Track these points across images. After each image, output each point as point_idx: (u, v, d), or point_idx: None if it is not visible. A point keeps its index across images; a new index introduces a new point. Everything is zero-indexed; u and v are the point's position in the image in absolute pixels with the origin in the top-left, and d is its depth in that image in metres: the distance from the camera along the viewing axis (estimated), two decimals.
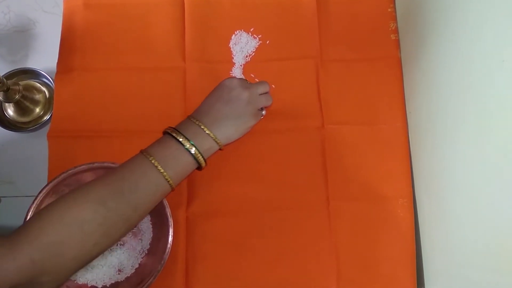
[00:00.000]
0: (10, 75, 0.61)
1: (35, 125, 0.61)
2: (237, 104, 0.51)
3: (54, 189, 0.52)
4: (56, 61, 0.60)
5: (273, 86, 0.60)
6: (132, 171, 0.46)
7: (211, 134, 0.49)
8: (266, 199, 0.57)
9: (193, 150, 0.48)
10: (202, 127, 0.49)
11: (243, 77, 0.61)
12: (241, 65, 0.61)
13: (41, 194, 0.50)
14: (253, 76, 0.61)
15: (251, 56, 0.61)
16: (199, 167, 0.50)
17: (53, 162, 0.57)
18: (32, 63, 0.63)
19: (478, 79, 0.43)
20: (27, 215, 0.50)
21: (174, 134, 0.48)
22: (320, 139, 0.58)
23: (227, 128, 0.51)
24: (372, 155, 0.58)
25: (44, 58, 0.63)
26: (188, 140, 0.48)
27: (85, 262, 0.42)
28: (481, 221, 0.43)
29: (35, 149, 0.60)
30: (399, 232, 0.56)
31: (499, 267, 0.41)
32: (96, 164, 0.52)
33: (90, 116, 0.59)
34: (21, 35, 0.64)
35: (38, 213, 0.41)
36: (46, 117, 0.61)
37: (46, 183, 0.52)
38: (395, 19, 0.62)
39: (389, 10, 0.62)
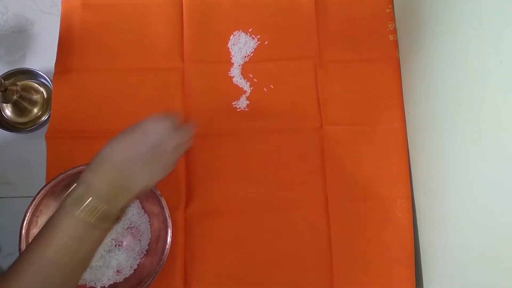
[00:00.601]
0: (8, 76, 0.60)
1: (33, 125, 0.60)
2: (161, 153, 0.43)
3: (52, 190, 0.51)
4: (54, 61, 0.60)
5: (271, 86, 0.60)
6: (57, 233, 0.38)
7: (129, 191, 0.41)
8: (265, 200, 0.57)
9: (101, 223, 0.40)
10: (118, 182, 0.41)
11: (241, 77, 0.60)
12: (239, 65, 0.61)
13: (39, 195, 0.50)
14: (251, 76, 0.61)
15: (249, 57, 0.61)
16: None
17: (51, 163, 0.57)
18: (30, 64, 0.63)
19: (476, 80, 0.43)
20: (25, 216, 0.50)
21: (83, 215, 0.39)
22: (319, 140, 0.58)
23: (145, 180, 0.43)
24: (371, 156, 0.58)
25: (42, 58, 0.63)
26: (94, 213, 0.39)
27: None
28: (479, 221, 0.43)
29: (33, 150, 0.60)
30: (398, 233, 0.56)
31: (498, 267, 0.41)
32: None
33: (88, 117, 0.59)
34: (19, 35, 0.64)
35: None
36: (44, 118, 0.61)
37: (44, 184, 0.52)
38: (393, 19, 0.62)
39: (387, 10, 0.62)
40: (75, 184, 0.41)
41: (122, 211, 0.42)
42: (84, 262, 0.41)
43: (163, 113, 0.46)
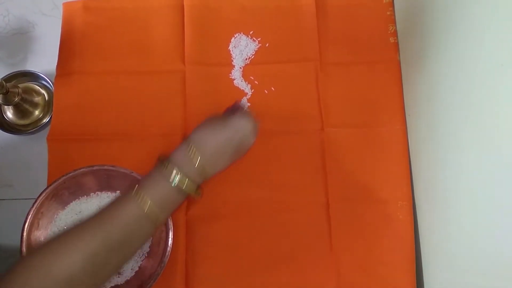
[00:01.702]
0: (9, 78, 0.61)
1: (34, 127, 0.60)
2: (240, 149, 0.51)
3: (53, 192, 0.52)
4: (55, 63, 0.60)
5: (272, 88, 0.60)
6: (122, 217, 0.43)
7: (204, 173, 0.47)
8: (266, 202, 0.57)
9: (187, 190, 0.46)
10: (200, 164, 0.46)
11: (242, 80, 0.61)
12: (240, 68, 0.61)
13: (40, 197, 0.50)
14: (252, 78, 0.61)
15: (250, 59, 0.61)
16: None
17: (53, 165, 0.57)
18: (31, 66, 0.63)
19: (477, 83, 0.43)
20: (26, 218, 0.50)
21: (168, 172, 0.45)
22: (320, 142, 0.59)
23: (219, 167, 0.49)
24: (372, 158, 0.58)
25: (43, 60, 0.63)
26: (184, 180, 0.45)
27: None
28: (480, 225, 0.43)
29: (34, 152, 0.60)
30: (399, 235, 0.56)
31: (499, 271, 0.41)
32: (95, 167, 0.52)
33: (89, 119, 0.59)
34: (20, 37, 0.64)
35: (25, 260, 0.40)
36: (46, 120, 0.61)
37: (45, 186, 0.52)
38: (394, 22, 0.62)
39: (388, 13, 0.63)
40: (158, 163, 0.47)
41: (199, 193, 0.48)
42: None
43: (247, 110, 0.53)
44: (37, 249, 0.41)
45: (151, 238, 0.51)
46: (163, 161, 0.47)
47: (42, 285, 0.38)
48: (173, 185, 0.45)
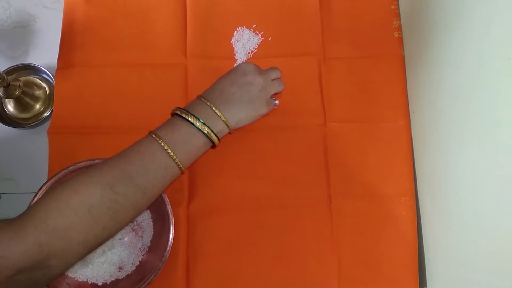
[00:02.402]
0: (10, 71, 0.60)
1: (35, 121, 0.60)
2: (251, 89, 0.50)
3: (54, 186, 0.51)
4: (57, 56, 0.60)
5: None
6: (141, 154, 0.44)
7: (222, 117, 0.48)
8: (268, 197, 0.57)
9: (205, 130, 0.47)
10: (214, 108, 0.48)
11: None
12: (243, 62, 0.61)
13: (41, 191, 0.50)
14: None
15: (253, 53, 0.61)
16: (213, 146, 0.49)
17: (54, 158, 0.57)
18: (33, 59, 0.62)
19: (483, 77, 0.42)
20: None
21: (184, 115, 0.47)
22: (322, 137, 0.58)
23: (238, 111, 0.50)
24: (375, 153, 0.58)
25: (45, 54, 0.62)
26: (199, 119, 0.47)
27: (94, 246, 0.42)
28: (484, 221, 0.43)
29: (35, 146, 0.60)
30: (401, 231, 0.56)
31: (502, 267, 0.41)
32: (96, 161, 0.52)
33: (90, 113, 0.59)
34: (21, 30, 0.64)
35: (44, 197, 0.40)
36: (47, 113, 0.61)
37: (46, 180, 0.51)
38: (398, 16, 0.62)
39: (392, 7, 0.62)
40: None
41: (217, 137, 0.48)
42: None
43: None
44: (56, 187, 0.41)
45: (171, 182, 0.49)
46: (177, 109, 0.48)
47: (61, 217, 0.39)
48: (192, 124, 0.46)
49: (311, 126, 0.58)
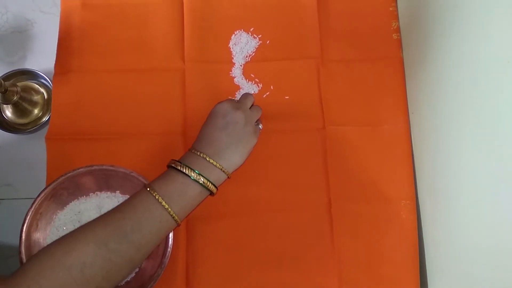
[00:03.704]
0: (8, 76, 0.60)
1: (33, 126, 0.60)
2: (236, 128, 0.50)
3: (52, 192, 0.51)
4: (54, 62, 0.60)
5: (271, 87, 0.60)
6: (135, 208, 0.44)
7: (218, 165, 0.48)
8: (267, 201, 0.56)
9: (201, 180, 0.46)
10: (208, 158, 0.47)
11: (243, 77, 0.60)
12: (241, 65, 0.60)
13: (39, 198, 0.50)
14: (253, 76, 0.60)
15: (251, 56, 0.61)
16: (211, 194, 0.49)
17: (52, 165, 0.57)
18: (30, 64, 0.62)
19: (482, 80, 0.42)
20: (25, 219, 0.49)
21: (179, 168, 0.46)
22: (321, 140, 0.58)
23: (232, 155, 0.49)
24: (374, 156, 0.57)
25: (42, 59, 0.62)
26: (194, 170, 0.46)
27: None
28: (484, 223, 0.43)
29: (33, 151, 0.60)
30: (402, 234, 0.55)
31: (503, 269, 0.40)
32: (94, 167, 0.52)
33: (88, 118, 0.58)
34: (18, 35, 0.64)
35: (37, 255, 0.40)
36: (45, 119, 0.60)
37: (44, 186, 0.51)
38: (397, 18, 0.61)
39: (391, 9, 0.62)
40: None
41: (215, 186, 0.48)
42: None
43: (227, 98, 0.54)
44: (48, 245, 0.41)
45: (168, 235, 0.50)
46: (172, 162, 0.48)
47: (54, 276, 0.38)
48: (189, 176, 0.46)
49: (310, 130, 0.58)
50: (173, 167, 0.47)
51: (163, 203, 0.44)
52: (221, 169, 0.48)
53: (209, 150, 0.48)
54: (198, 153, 0.48)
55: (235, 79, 0.60)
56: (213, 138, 0.49)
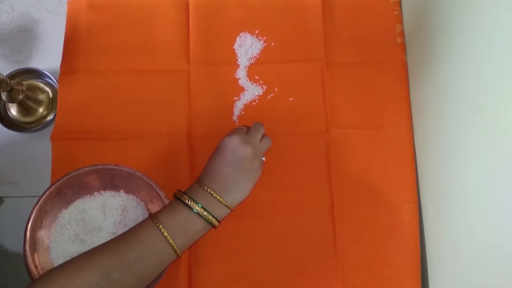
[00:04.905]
0: (13, 75, 0.60)
1: (38, 125, 0.60)
2: (243, 164, 0.49)
3: (57, 191, 0.51)
4: (60, 61, 0.60)
5: (276, 89, 0.60)
6: (139, 240, 0.44)
7: (223, 202, 0.48)
8: (270, 203, 0.57)
9: (205, 215, 0.46)
10: (214, 195, 0.47)
11: (247, 79, 0.60)
12: (245, 67, 0.61)
13: (44, 196, 0.50)
14: (257, 78, 0.60)
15: (255, 58, 0.61)
16: (214, 227, 0.49)
17: (56, 163, 0.57)
18: (36, 63, 0.62)
19: (486, 83, 0.42)
20: (30, 217, 0.50)
21: (186, 201, 0.46)
22: (325, 143, 0.58)
23: (237, 192, 0.49)
24: (377, 160, 0.58)
25: (48, 58, 0.63)
26: (199, 205, 0.46)
27: None
28: (487, 227, 0.43)
29: (38, 149, 0.60)
30: (404, 237, 0.56)
31: (505, 272, 0.41)
32: (99, 166, 0.52)
33: (93, 118, 0.59)
34: (24, 34, 0.64)
35: (43, 278, 0.40)
36: (50, 117, 0.61)
37: (49, 184, 0.51)
38: (401, 22, 0.62)
39: (395, 13, 0.62)
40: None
41: (218, 221, 0.48)
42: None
43: (236, 129, 0.53)
44: (51, 270, 0.41)
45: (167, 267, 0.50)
46: (177, 193, 0.48)
47: None
48: (193, 209, 0.46)
49: (314, 132, 0.58)
50: (179, 199, 0.47)
51: (168, 237, 0.44)
52: (226, 205, 0.48)
53: (215, 185, 0.48)
54: (205, 188, 0.48)
55: (240, 81, 0.60)
56: (220, 173, 0.49)
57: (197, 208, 0.46)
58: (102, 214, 0.54)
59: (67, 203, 0.54)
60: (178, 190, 0.49)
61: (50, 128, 0.59)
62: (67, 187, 0.52)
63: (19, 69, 0.61)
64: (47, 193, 0.50)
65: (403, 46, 0.61)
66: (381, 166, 0.57)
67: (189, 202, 0.46)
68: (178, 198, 0.47)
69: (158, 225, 0.45)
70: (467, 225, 0.47)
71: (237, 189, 0.49)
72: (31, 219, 0.50)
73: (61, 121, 0.58)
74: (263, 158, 0.54)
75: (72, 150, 0.57)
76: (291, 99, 0.59)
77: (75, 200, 0.54)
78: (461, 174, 0.47)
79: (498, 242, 0.41)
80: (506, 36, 0.39)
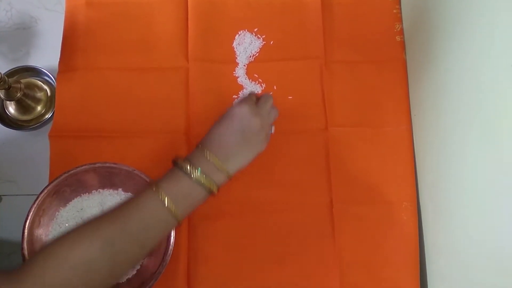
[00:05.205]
0: (11, 73, 0.60)
1: (36, 123, 0.60)
2: (250, 135, 0.49)
3: (55, 190, 0.51)
4: (58, 59, 0.60)
5: (274, 87, 0.60)
6: (141, 209, 0.44)
7: (224, 169, 0.47)
8: (269, 201, 0.57)
9: (205, 181, 0.46)
10: (215, 163, 0.47)
11: (246, 77, 0.60)
12: (244, 65, 0.61)
13: (42, 194, 0.50)
14: (256, 76, 0.60)
15: (254, 57, 0.61)
16: (212, 194, 0.48)
17: (55, 162, 0.57)
18: (34, 61, 0.62)
19: (485, 83, 0.42)
20: (27, 215, 0.49)
21: (186, 169, 0.46)
22: (324, 141, 0.58)
23: (239, 160, 0.49)
24: (376, 158, 0.58)
25: (46, 56, 0.62)
26: (199, 171, 0.46)
27: None
28: (485, 225, 0.43)
29: (36, 148, 0.60)
30: (403, 236, 0.56)
31: (503, 272, 0.41)
32: (97, 164, 0.52)
33: (92, 116, 0.58)
34: (23, 32, 0.64)
35: (43, 251, 0.40)
36: (48, 115, 0.60)
37: (47, 182, 0.51)
38: (400, 20, 0.62)
39: (395, 11, 0.62)
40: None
41: (217, 187, 0.47)
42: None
43: (247, 95, 0.52)
44: (54, 240, 0.41)
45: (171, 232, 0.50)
46: (178, 159, 0.47)
47: (59, 273, 0.38)
48: (192, 177, 0.45)
49: (313, 131, 0.58)
50: (179, 166, 0.47)
51: (170, 205, 0.44)
52: (226, 173, 0.48)
53: (218, 151, 0.47)
54: (207, 154, 0.47)
55: (239, 79, 0.60)
56: (224, 141, 0.48)
57: (197, 175, 0.45)
58: (101, 213, 0.54)
59: (65, 201, 0.54)
60: (177, 156, 0.48)
61: (48, 126, 0.59)
62: (65, 185, 0.52)
63: (17, 67, 0.61)
64: (45, 191, 0.50)
65: (402, 45, 0.61)
66: (380, 165, 0.57)
67: (189, 169, 0.46)
68: (178, 165, 0.47)
69: (158, 193, 0.44)
70: (466, 224, 0.47)
71: (239, 158, 0.49)
72: (29, 217, 0.49)
73: (59, 119, 0.58)
74: (272, 130, 0.54)
75: (70, 148, 0.57)
76: (290, 97, 0.59)
77: (73, 199, 0.54)
78: (460, 173, 0.47)
79: (496, 241, 0.41)
80: (506, 34, 0.39)
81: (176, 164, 0.47)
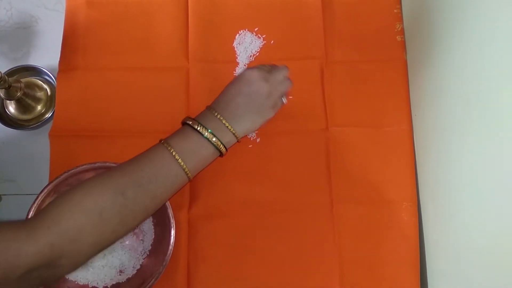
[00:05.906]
0: (11, 72, 0.60)
1: (36, 122, 0.60)
2: (257, 98, 0.51)
3: (55, 189, 0.51)
4: (58, 58, 0.60)
5: None
6: (152, 161, 0.46)
7: (231, 129, 0.49)
8: (269, 201, 0.56)
9: (214, 140, 0.48)
10: (223, 121, 0.49)
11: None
12: (245, 65, 0.60)
13: (42, 194, 0.50)
14: None
15: (255, 56, 0.61)
16: (221, 155, 0.50)
17: (55, 161, 0.57)
18: (34, 60, 0.62)
19: (486, 82, 0.42)
20: (28, 214, 0.49)
21: (196, 127, 0.48)
22: (324, 141, 0.58)
23: (246, 122, 0.51)
24: (377, 158, 0.57)
25: (46, 55, 0.62)
26: (208, 130, 0.48)
27: (102, 247, 0.43)
28: (485, 225, 0.43)
29: (36, 147, 0.60)
30: (403, 236, 0.55)
31: (504, 272, 0.41)
32: (98, 164, 0.52)
33: (92, 116, 0.58)
34: (23, 32, 0.64)
35: (56, 200, 0.42)
36: (48, 115, 0.60)
37: (47, 182, 0.51)
38: (401, 20, 0.61)
39: (395, 11, 0.62)
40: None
41: (225, 147, 0.49)
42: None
43: (260, 64, 0.54)
44: (68, 190, 0.42)
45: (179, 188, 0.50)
46: (187, 119, 0.49)
47: (73, 217, 0.40)
48: (201, 134, 0.47)
49: (313, 131, 0.58)
50: (189, 125, 0.49)
51: (179, 159, 0.46)
52: (234, 133, 0.49)
53: (225, 112, 0.49)
54: (215, 114, 0.49)
55: None
56: (232, 102, 0.50)
57: (206, 133, 0.48)
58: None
59: None
60: (187, 116, 0.50)
61: (49, 126, 0.59)
62: (65, 185, 0.52)
63: (18, 66, 0.61)
64: (45, 190, 0.50)
65: (403, 44, 0.61)
66: (380, 165, 0.57)
67: (199, 128, 0.48)
68: (188, 124, 0.49)
69: (169, 148, 0.46)
70: (466, 223, 0.47)
71: (246, 120, 0.51)
72: (29, 217, 0.49)
73: (59, 118, 0.58)
74: (284, 100, 0.55)
75: (70, 147, 0.57)
76: (291, 97, 0.59)
77: None
78: (460, 173, 0.47)
79: (497, 241, 0.41)
80: (507, 34, 0.39)
81: (186, 123, 0.49)
